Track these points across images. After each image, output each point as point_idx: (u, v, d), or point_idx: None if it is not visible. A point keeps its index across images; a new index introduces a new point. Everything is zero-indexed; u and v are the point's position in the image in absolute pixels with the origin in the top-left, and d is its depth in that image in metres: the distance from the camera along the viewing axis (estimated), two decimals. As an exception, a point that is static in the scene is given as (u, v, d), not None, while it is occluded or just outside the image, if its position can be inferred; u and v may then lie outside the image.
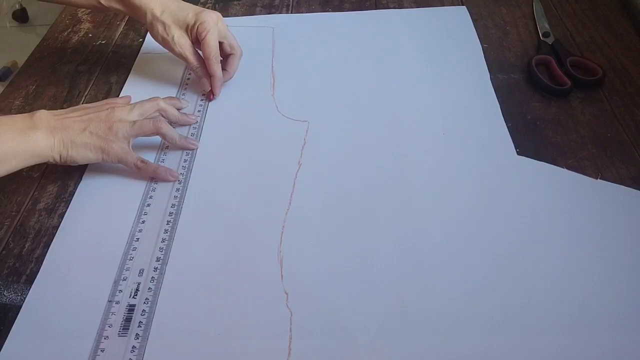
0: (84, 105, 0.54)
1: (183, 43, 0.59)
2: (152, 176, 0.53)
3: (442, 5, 0.74)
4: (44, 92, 0.65)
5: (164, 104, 0.55)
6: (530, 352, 0.39)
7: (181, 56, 0.60)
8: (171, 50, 0.60)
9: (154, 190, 0.52)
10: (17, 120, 0.48)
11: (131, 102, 0.56)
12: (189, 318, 0.42)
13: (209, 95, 0.62)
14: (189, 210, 0.50)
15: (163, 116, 0.55)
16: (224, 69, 0.61)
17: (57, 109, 0.60)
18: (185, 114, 0.59)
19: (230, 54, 0.62)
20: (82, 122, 0.50)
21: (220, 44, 0.60)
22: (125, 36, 0.73)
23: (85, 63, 0.69)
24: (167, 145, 0.56)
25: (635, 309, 0.41)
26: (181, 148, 0.56)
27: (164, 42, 0.60)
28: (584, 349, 0.39)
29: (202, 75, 0.61)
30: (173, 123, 0.57)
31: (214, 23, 0.58)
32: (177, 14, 0.58)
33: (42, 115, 0.49)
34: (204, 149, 0.56)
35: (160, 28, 0.59)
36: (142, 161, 0.52)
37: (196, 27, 0.58)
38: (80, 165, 0.53)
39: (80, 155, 0.50)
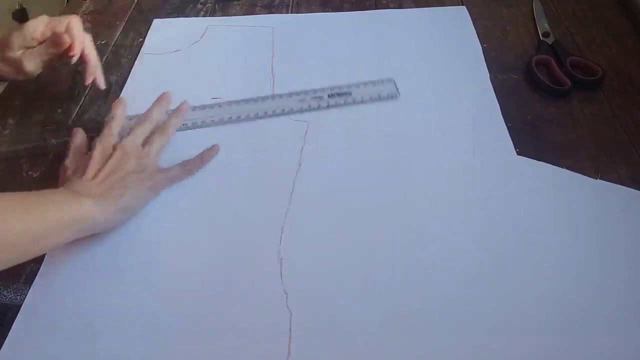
0: (90, 166, 0.48)
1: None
2: (201, 163, 0.53)
3: (442, 5, 0.74)
4: (43, 92, 0.65)
5: (156, 123, 0.54)
6: (530, 352, 0.39)
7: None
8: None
9: (153, 190, 0.52)
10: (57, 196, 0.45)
11: (125, 103, 0.55)
12: (188, 318, 0.42)
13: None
14: (188, 209, 0.50)
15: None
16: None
17: (56, 110, 0.60)
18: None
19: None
20: (119, 188, 0.47)
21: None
22: (125, 36, 0.73)
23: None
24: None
25: (635, 309, 0.41)
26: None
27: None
28: (583, 349, 0.39)
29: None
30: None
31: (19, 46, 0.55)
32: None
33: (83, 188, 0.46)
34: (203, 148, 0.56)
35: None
36: (185, 164, 0.52)
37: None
38: None
39: (140, 206, 0.49)
